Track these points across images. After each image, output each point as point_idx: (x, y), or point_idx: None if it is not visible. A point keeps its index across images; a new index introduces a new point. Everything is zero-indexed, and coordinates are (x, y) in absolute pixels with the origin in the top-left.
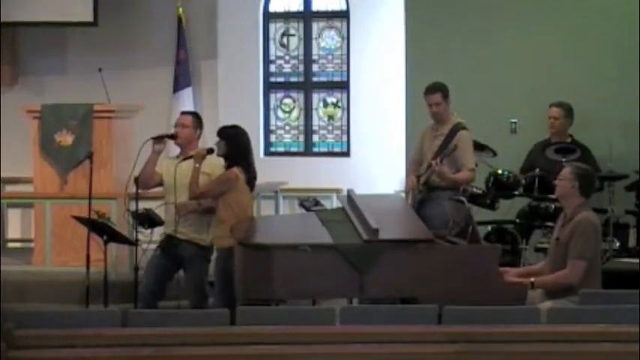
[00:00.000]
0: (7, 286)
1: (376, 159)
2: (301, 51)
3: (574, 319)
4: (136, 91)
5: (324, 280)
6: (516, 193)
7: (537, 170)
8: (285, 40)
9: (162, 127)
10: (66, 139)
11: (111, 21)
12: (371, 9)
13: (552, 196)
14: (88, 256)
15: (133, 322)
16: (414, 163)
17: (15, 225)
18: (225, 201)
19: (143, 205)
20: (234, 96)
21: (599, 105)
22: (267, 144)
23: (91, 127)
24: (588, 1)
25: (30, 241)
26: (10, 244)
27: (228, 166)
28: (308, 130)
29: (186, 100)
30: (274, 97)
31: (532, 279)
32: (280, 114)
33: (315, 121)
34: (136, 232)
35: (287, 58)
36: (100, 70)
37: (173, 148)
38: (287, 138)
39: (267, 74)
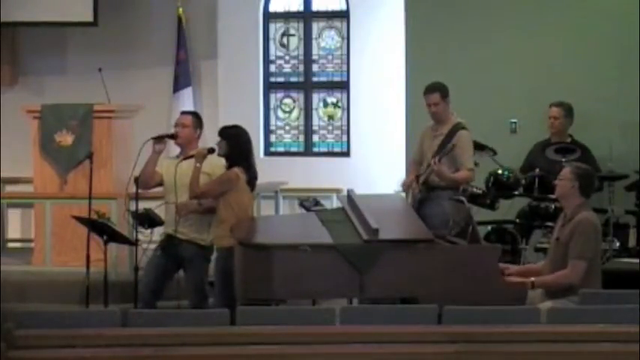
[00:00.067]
0: (7, 286)
1: (376, 159)
2: (301, 51)
3: (574, 319)
4: (136, 91)
5: (324, 280)
6: (516, 193)
7: (537, 170)
8: (285, 40)
9: (162, 127)
10: (66, 139)
11: (111, 21)
12: (371, 9)
13: (552, 196)
14: (88, 256)
15: (133, 322)
16: (414, 163)
17: (15, 225)
18: (225, 201)
19: (143, 205)
20: (234, 96)
21: (599, 105)
22: (267, 144)
23: (91, 127)
24: (588, 1)
25: (30, 241)
26: (10, 244)
27: (229, 166)
28: (308, 130)
29: (186, 100)
30: (274, 97)
31: (532, 279)
32: (280, 114)
33: (315, 121)
34: (136, 232)
35: (287, 58)
36: (100, 70)
37: (173, 148)
38: (287, 138)
39: (267, 74)
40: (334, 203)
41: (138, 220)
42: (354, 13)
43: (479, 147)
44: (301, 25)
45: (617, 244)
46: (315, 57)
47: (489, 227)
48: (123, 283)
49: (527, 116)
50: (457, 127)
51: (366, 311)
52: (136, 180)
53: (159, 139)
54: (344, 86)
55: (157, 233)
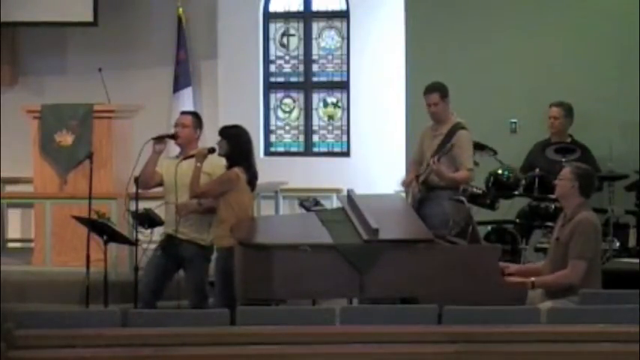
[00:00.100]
0: (7, 286)
1: (376, 159)
2: (301, 51)
3: (574, 319)
4: (136, 91)
5: (324, 280)
6: (516, 193)
7: (537, 170)
8: (285, 40)
9: (163, 127)
10: (66, 139)
11: (111, 21)
12: (371, 9)
13: (552, 196)
14: (88, 256)
15: (133, 322)
16: (414, 163)
17: (15, 225)
18: (225, 201)
19: (143, 205)
20: (234, 96)
21: (599, 105)
22: (267, 144)
23: (91, 127)
24: (588, 1)
25: (30, 241)
26: (10, 244)
27: (230, 166)
28: (308, 130)
29: (186, 100)
30: (274, 97)
31: (532, 279)
32: (280, 114)
33: (315, 121)
34: (136, 232)
35: (287, 58)
36: (100, 70)
37: (173, 148)
38: (287, 138)
39: (267, 74)
40: (334, 203)
41: (138, 220)
42: (354, 13)
43: (479, 147)
44: (301, 25)
45: (617, 244)
46: (315, 57)
47: (489, 227)
48: (123, 283)
49: (527, 116)
50: (457, 127)
51: (366, 311)
52: (136, 180)
53: (159, 140)
54: (344, 86)
55: (157, 233)
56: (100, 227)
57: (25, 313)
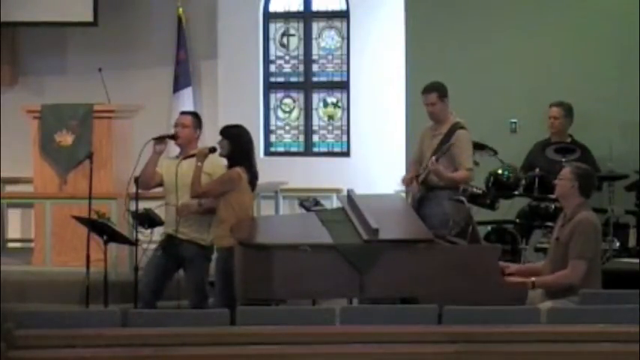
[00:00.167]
0: (7, 286)
1: (376, 159)
2: (301, 51)
3: (574, 319)
4: (136, 91)
5: (324, 280)
6: (516, 193)
7: (537, 170)
8: (285, 40)
9: (163, 127)
10: (66, 139)
11: (111, 21)
12: (371, 9)
13: (552, 196)
14: (88, 256)
15: (133, 322)
16: (414, 163)
17: (15, 225)
18: (226, 201)
19: (143, 205)
20: (234, 96)
21: (599, 105)
22: (267, 144)
23: (91, 127)
24: (588, 1)
25: (30, 241)
26: (10, 244)
27: (231, 166)
28: (308, 130)
29: (186, 100)
30: (274, 97)
31: (533, 279)
32: (280, 114)
33: (315, 121)
34: (136, 232)
35: (287, 58)
36: (100, 70)
37: (173, 149)
38: (287, 138)
39: (267, 74)
40: (334, 203)
41: (138, 220)
42: (354, 13)
43: (479, 147)
44: (301, 25)
45: (617, 244)
46: (315, 57)
47: (489, 227)
48: (123, 283)
49: (527, 116)
50: (456, 127)
51: (366, 311)
52: (136, 180)
53: (159, 140)
54: (344, 86)
55: (157, 233)
56: (100, 227)
57: (25, 313)
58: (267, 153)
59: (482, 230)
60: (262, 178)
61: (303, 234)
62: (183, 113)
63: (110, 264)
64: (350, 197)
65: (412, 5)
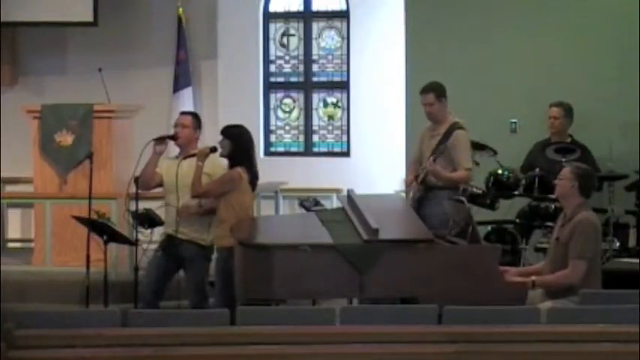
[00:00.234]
0: (7, 286)
1: (376, 159)
2: (301, 51)
3: (574, 319)
4: (136, 91)
5: (324, 280)
6: (516, 193)
7: (537, 170)
8: (285, 40)
9: (163, 127)
10: (66, 139)
11: (111, 21)
12: (371, 9)
13: (552, 196)
14: (88, 256)
15: (133, 322)
16: (414, 163)
17: (15, 225)
18: (227, 201)
19: (143, 205)
20: (234, 96)
21: (599, 105)
22: (267, 144)
23: (91, 127)
24: (588, 1)
25: (30, 241)
26: (10, 244)
27: (232, 166)
28: (308, 130)
29: (186, 100)
30: (274, 97)
31: (533, 278)
32: (280, 114)
33: (315, 121)
34: (136, 232)
35: (287, 58)
36: (100, 70)
37: (173, 149)
38: (287, 138)
39: (267, 74)
40: (334, 203)
41: (138, 220)
42: (354, 13)
43: (479, 147)
44: (301, 25)
45: (617, 244)
46: (315, 57)
47: (489, 227)
48: (123, 283)
49: (527, 116)
50: (454, 127)
51: (366, 311)
52: (136, 180)
53: (160, 141)
54: (344, 86)
55: (157, 233)
56: (100, 227)
57: (25, 313)
58: (267, 153)
59: (483, 230)
60: (262, 178)
61: (303, 234)
62: (182, 113)
63: (110, 264)
64: (350, 197)
65: (412, 5)
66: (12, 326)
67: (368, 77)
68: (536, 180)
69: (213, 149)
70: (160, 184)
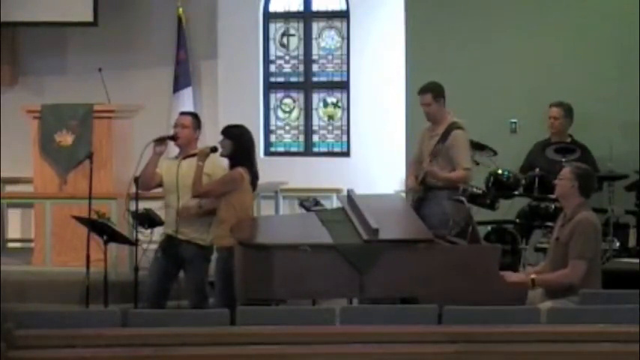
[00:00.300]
0: (7, 286)
1: (376, 159)
2: (301, 51)
3: (574, 319)
4: (136, 91)
5: (324, 280)
6: (516, 193)
7: (537, 170)
8: (285, 40)
9: (162, 127)
10: (66, 139)
11: (111, 21)
12: (371, 9)
13: (552, 196)
14: (88, 256)
15: (133, 322)
16: (414, 163)
17: (15, 225)
18: (227, 201)
19: (143, 205)
20: (234, 96)
21: (599, 105)
22: (267, 144)
23: (91, 127)
24: (588, 1)
25: (30, 241)
26: (10, 244)
27: (232, 166)
28: (308, 130)
29: (186, 100)
30: (274, 97)
31: (533, 276)
32: (280, 114)
33: (315, 121)
34: (136, 232)
35: (287, 58)
36: (100, 70)
37: (172, 149)
38: (287, 138)
39: (267, 74)
40: (334, 203)
41: (138, 220)
42: (354, 13)
43: (479, 147)
44: (301, 25)
45: (617, 244)
46: (315, 57)
47: (489, 227)
48: (123, 283)
49: (527, 116)
50: (452, 127)
51: (366, 311)
52: (136, 180)
53: (160, 141)
54: (344, 86)
55: (157, 233)
56: (100, 227)
57: (25, 313)
58: (267, 153)
59: (483, 230)
60: (262, 178)
61: (303, 234)
62: (182, 114)
63: (110, 264)
64: (350, 197)
65: (412, 5)
66: (12, 326)
67: (368, 77)
68: (536, 180)
69: (214, 149)
70: (160, 185)
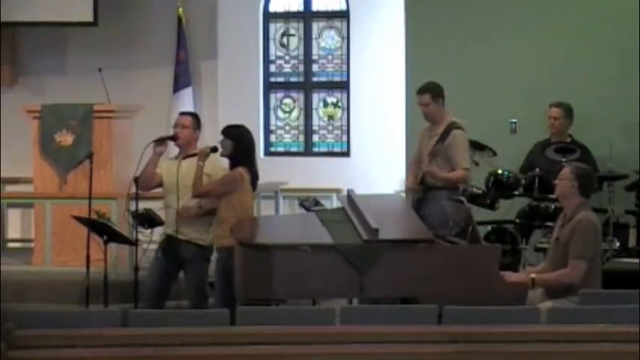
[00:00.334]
0: (7, 286)
1: (376, 159)
2: (301, 51)
3: (574, 319)
4: (136, 91)
5: (324, 280)
6: (516, 193)
7: (537, 170)
8: (285, 40)
9: (162, 127)
10: (66, 139)
11: (111, 21)
12: (371, 9)
13: (552, 196)
14: (88, 256)
15: (133, 322)
16: (414, 163)
17: (15, 225)
18: (227, 201)
19: (143, 205)
20: (234, 96)
21: (599, 105)
22: (267, 144)
23: (91, 127)
24: (588, 1)
25: (30, 241)
26: (10, 244)
27: (232, 166)
28: (308, 130)
29: (186, 100)
30: (274, 97)
31: (533, 275)
32: (280, 114)
33: (315, 121)
34: (136, 232)
35: (287, 58)
36: (100, 70)
37: (172, 149)
38: (287, 138)
39: (267, 74)
40: (334, 203)
41: (138, 220)
42: (354, 13)
43: (479, 147)
44: (301, 25)
45: (617, 244)
46: (315, 57)
47: (489, 227)
48: (123, 283)
49: (527, 116)
50: (451, 127)
51: (366, 311)
52: (136, 180)
53: (160, 142)
54: (344, 86)
55: (157, 233)
56: (100, 227)
57: (25, 313)
58: (267, 153)
59: (483, 230)
60: (262, 178)
61: (303, 234)
62: (182, 114)
63: (110, 264)
64: (350, 197)
65: (412, 5)
66: (12, 326)
67: (368, 77)
68: (536, 180)
69: (214, 149)
70: (160, 185)
